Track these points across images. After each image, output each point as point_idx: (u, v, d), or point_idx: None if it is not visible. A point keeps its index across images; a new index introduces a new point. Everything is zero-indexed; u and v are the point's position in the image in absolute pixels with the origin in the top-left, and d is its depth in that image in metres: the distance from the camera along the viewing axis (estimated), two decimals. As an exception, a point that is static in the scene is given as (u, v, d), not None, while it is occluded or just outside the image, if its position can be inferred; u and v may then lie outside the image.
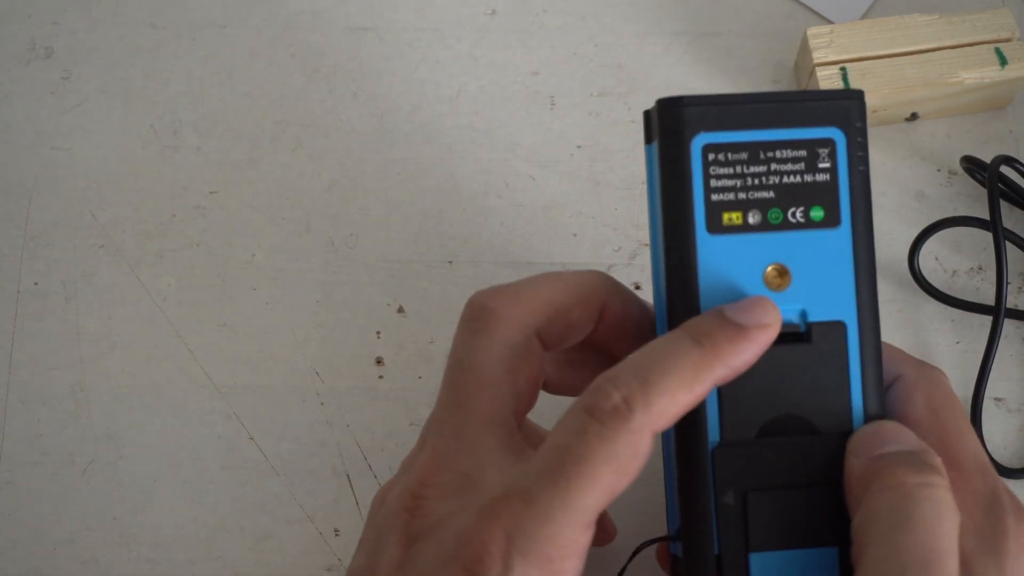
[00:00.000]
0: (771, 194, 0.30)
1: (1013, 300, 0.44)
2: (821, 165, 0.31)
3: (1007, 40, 0.45)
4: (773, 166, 0.31)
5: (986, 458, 0.31)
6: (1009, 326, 0.43)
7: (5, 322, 0.45)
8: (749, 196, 0.30)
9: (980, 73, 0.44)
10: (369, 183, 0.47)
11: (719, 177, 0.30)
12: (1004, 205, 0.44)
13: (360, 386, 0.44)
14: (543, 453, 0.28)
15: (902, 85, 0.44)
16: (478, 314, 0.32)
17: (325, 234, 0.46)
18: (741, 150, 0.30)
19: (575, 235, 0.45)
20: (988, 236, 0.43)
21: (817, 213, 0.31)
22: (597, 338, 0.34)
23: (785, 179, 0.31)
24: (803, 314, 0.31)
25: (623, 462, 0.28)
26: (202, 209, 0.46)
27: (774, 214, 0.31)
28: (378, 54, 0.49)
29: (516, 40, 0.49)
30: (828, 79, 0.44)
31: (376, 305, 0.45)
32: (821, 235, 0.31)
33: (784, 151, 0.31)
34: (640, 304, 0.34)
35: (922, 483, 0.28)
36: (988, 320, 0.42)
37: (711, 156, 0.30)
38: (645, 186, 0.33)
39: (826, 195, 0.31)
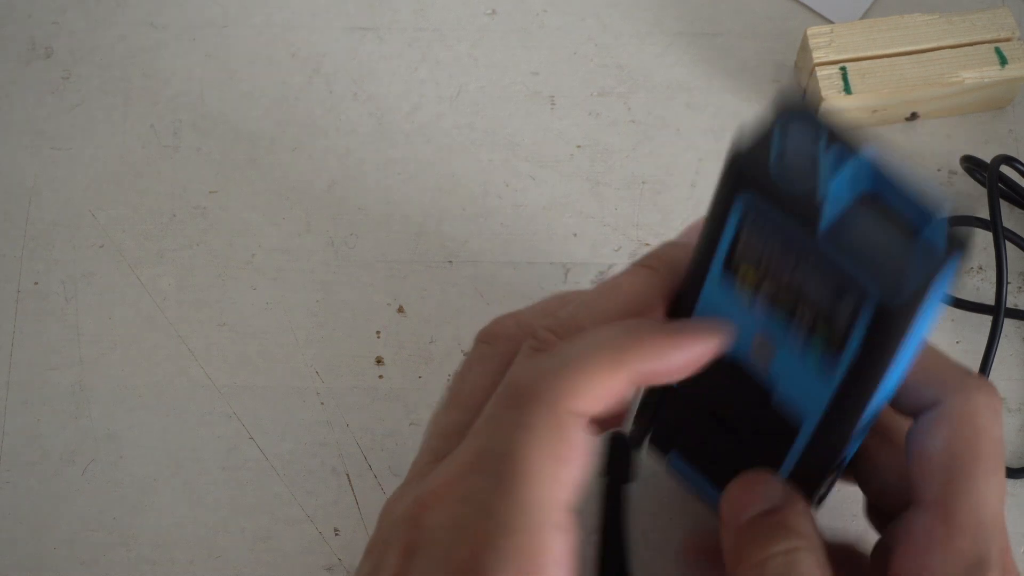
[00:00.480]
0: (789, 285, 0.27)
1: (1013, 300, 0.44)
2: (843, 308, 0.26)
3: (1007, 40, 0.45)
4: (800, 271, 0.26)
5: (992, 514, 0.28)
6: (1009, 326, 0.43)
7: (5, 322, 0.45)
8: (769, 272, 0.27)
9: (980, 73, 0.44)
10: (369, 183, 0.47)
11: (749, 237, 0.27)
12: (1004, 205, 0.44)
13: (360, 386, 0.43)
14: (478, 457, 0.28)
15: (902, 85, 0.44)
16: (518, 401, 0.28)
17: (325, 234, 0.46)
18: (777, 236, 0.26)
19: (575, 235, 0.45)
20: (988, 236, 0.43)
21: (822, 332, 0.27)
22: None
23: (806, 288, 0.26)
24: (772, 383, 0.29)
25: (553, 447, 0.27)
26: (202, 209, 0.46)
27: (784, 301, 0.27)
28: (378, 54, 0.49)
29: (516, 40, 0.49)
30: (828, 79, 0.44)
31: (376, 305, 0.45)
32: (817, 351, 0.27)
33: (813, 270, 0.26)
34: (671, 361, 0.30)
35: (776, 553, 0.29)
36: (988, 320, 0.42)
37: (750, 215, 0.26)
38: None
39: (834, 333, 0.26)
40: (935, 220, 0.25)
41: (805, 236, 0.25)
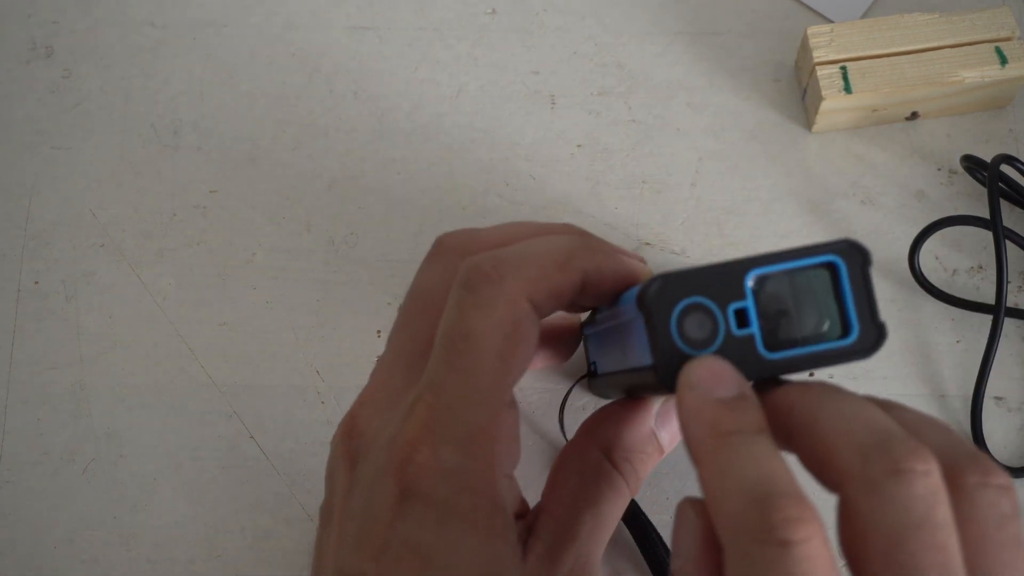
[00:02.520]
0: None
1: (1013, 299, 0.44)
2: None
3: (1007, 39, 0.45)
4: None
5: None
6: (1009, 325, 0.43)
7: (5, 322, 0.45)
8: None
9: (980, 72, 0.44)
10: (369, 183, 0.47)
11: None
12: (1004, 204, 0.44)
13: (360, 385, 0.43)
14: (436, 341, 0.29)
15: (902, 84, 0.44)
16: (477, 286, 0.29)
17: (325, 233, 0.46)
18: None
19: (575, 234, 0.45)
20: (988, 235, 0.43)
21: None
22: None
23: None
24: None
25: (508, 329, 0.28)
26: (202, 209, 0.46)
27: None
28: (378, 54, 0.49)
29: (516, 40, 0.49)
30: (828, 78, 0.44)
31: (376, 304, 0.45)
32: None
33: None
34: (614, 265, 0.32)
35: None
36: (988, 319, 0.42)
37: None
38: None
39: None
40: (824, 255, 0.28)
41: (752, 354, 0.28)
